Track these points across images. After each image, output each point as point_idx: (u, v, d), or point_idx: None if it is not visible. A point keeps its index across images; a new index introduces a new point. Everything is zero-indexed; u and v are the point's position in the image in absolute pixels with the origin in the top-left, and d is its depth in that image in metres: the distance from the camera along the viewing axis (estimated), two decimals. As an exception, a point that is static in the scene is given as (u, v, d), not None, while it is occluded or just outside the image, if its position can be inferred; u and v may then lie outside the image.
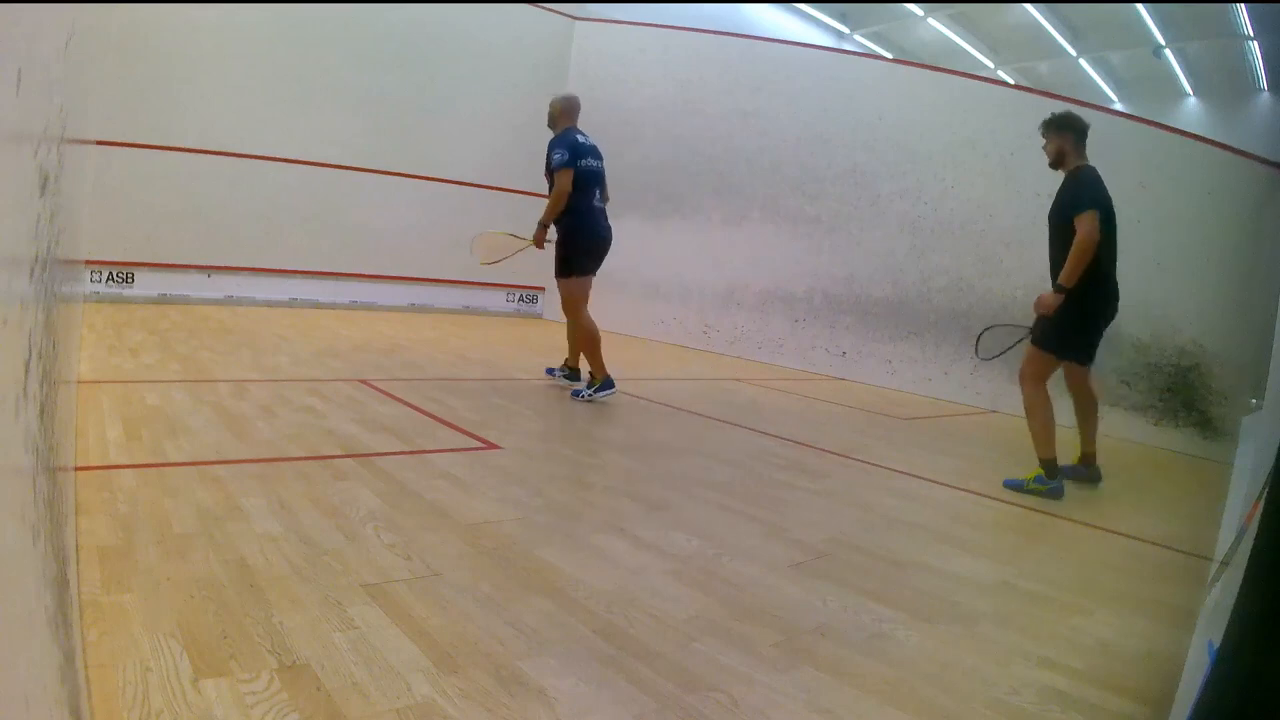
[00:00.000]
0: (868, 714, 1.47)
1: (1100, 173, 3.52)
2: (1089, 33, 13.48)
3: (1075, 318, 3.44)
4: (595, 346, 4.71)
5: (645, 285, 8.89)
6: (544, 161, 4.75)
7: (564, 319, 4.96)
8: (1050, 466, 3.42)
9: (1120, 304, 3.60)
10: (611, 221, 5.06)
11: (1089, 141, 3.57)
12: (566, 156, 4.58)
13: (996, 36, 14.26)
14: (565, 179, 4.57)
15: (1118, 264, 3.55)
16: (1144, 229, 5.53)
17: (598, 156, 4.79)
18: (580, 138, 4.71)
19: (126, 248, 7.05)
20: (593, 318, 4.78)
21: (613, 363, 6.93)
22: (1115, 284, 3.53)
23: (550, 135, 4.83)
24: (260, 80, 7.65)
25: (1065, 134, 3.51)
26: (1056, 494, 3.38)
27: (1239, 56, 12.82)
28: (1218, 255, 5.25)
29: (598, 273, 4.89)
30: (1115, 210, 3.49)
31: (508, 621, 1.68)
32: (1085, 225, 3.30)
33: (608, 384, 4.64)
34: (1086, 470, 3.76)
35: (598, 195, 4.77)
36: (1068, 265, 3.32)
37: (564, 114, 4.84)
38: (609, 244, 4.84)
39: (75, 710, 0.95)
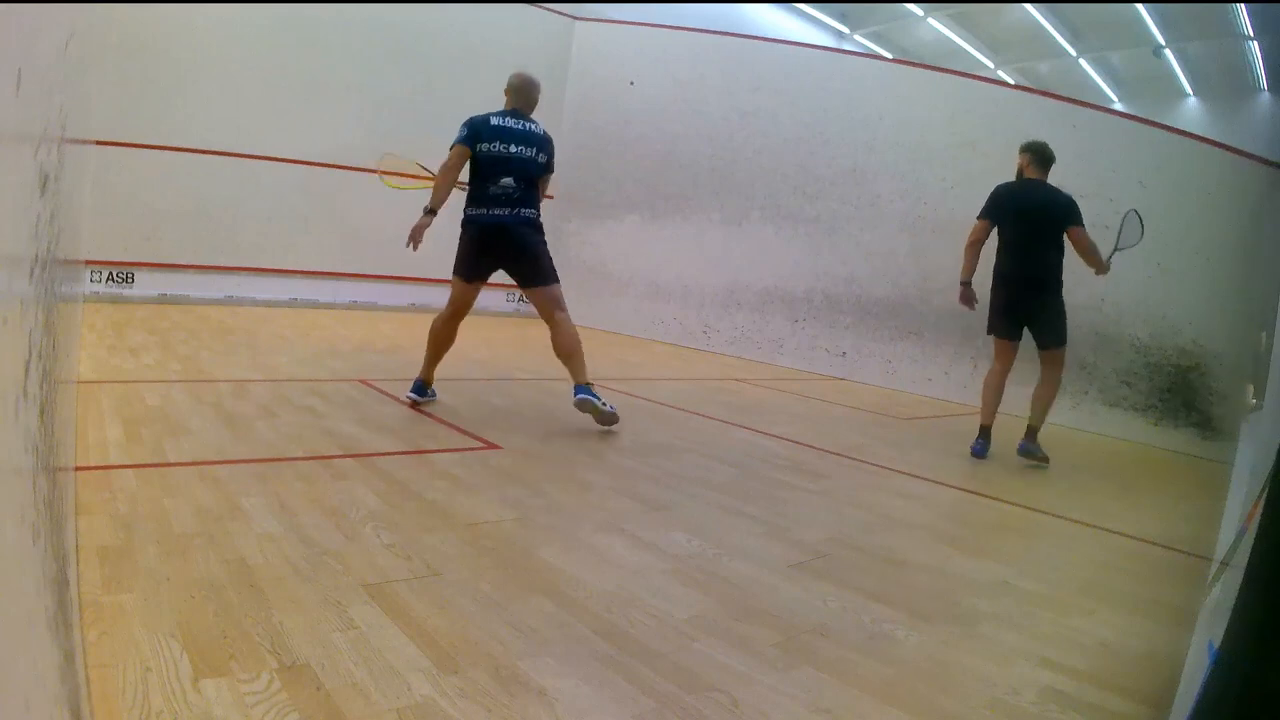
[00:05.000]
0: (868, 714, 1.47)
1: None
2: (1089, 33, 13.47)
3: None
4: None
5: (645, 285, 8.90)
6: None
7: None
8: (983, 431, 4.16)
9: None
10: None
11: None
12: None
13: (996, 36, 14.25)
14: None
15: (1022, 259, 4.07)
16: (1144, 229, 5.53)
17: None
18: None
19: (126, 248, 7.05)
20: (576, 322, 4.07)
21: (615, 363, 6.93)
22: (1011, 277, 4.08)
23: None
24: (260, 80, 7.65)
25: (1023, 154, 4.18)
26: (976, 452, 4.07)
27: (1239, 56, 12.81)
28: (1218, 255, 5.25)
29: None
30: (1028, 217, 4.04)
31: (508, 621, 1.68)
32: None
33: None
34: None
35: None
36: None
37: None
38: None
39: (75, 710, 0.95)
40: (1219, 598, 1.46)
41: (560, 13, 9.61)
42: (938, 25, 13.95)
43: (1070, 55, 14.13)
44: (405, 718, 1.29)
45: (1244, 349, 4.98)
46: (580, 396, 3.67)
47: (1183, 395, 5.32)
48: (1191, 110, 14.95)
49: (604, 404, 3.70)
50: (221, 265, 7.66)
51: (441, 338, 4.00)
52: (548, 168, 4.00)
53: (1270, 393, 2.30)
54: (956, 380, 6.42)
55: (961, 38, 14.32)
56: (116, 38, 6.30)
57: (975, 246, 4.15)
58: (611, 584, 1.94)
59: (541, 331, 4.17)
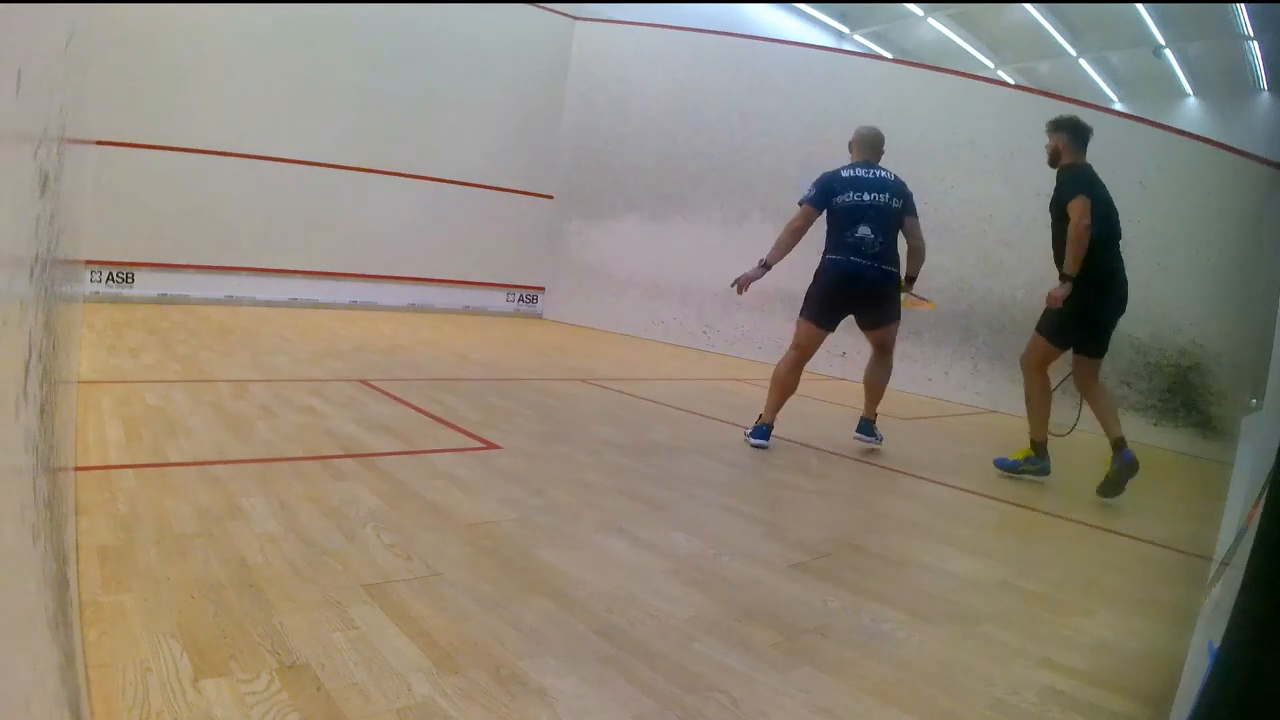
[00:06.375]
0: (868, 714, 1.47)
1: (1099, 173, 3.60)
2: (1089, 33, 13.45)
3: (1070, 308, 3.46)
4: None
5: (645, 285, 8.89)
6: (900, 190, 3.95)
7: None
8: (1039, 448, 3.66)
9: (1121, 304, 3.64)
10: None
11: (1091, 147, 3.63)
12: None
13: (996, 36, 14.24)
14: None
15: (1123, 261, 3.59)
16: (1144, 229, 5.53)
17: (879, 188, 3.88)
18: None
19: (126, 248, 7.05)
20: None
21: (615, 362, 6.93)
22: (1115, 278, 3.55)
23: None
24: (260, 80, 7.65)
25: (1061, 133, 3.60)
26: (1043, 471, 3.62)
27: (1239, 56, 12.80)
28: (1218, 255, 5.25)
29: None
30: (1116, 209, 3.56)
31: (508, 621, 1.68)
32: (1075, 211, 3.39)
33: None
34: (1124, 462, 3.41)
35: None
36: (1067, 253, 3.43)
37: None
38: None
39: (75, 710, 0.95)
40: (1219, 598, 1.46)
41: (560, 13, 9.61)
42: (938, 25, 13.94)
43: (1070, 55, 14.12)
44: (405, 718, 1.29)
45: (1244, 349, 4.98)
46: (861, 435, 4.03)
47: (1183, 395, 5.32)
48: (1191, 110, 14.94)
49: (877, 439, 4.02)
50: (221, 265, 7.66)
51: (788, 384, 3.88)
52: (906, 209, 3.96)
53: (1270, 393, 2.30)
54: (956, 380, 6.42)
55: (961, 38, 14.31)
56: (117, 37, 6.30)
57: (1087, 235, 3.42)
58: (611, 584, 1.94)
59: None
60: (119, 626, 1.46)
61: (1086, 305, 3.48)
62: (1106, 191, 3.53)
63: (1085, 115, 6.02)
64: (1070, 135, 3.57)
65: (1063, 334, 3.57)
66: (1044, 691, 1.62)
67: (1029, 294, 6.02)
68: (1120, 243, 3.59)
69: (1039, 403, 3.69)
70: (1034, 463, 3.65)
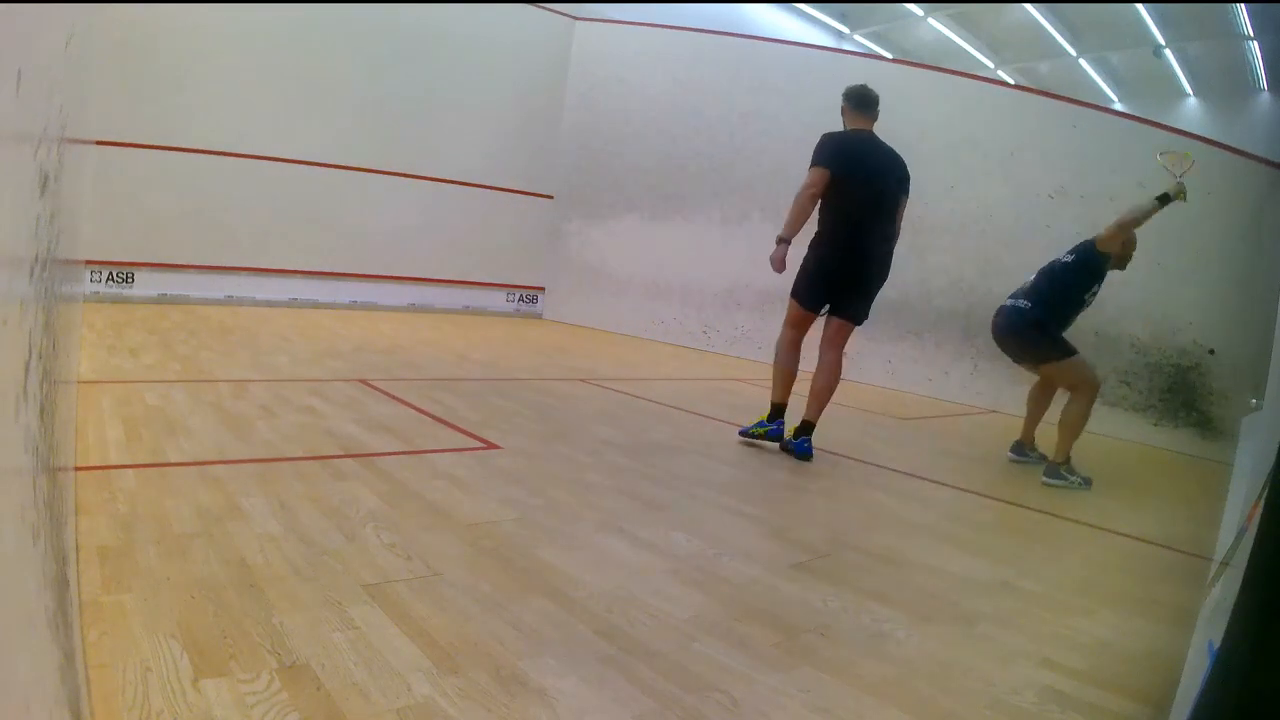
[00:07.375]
0: (868, 714, 1.47)
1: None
2: (1089, 33, 13.46)
3: (808, 270, 3.80)
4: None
5: (645, 285, 8.89)
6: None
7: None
8: (775, 409, 3.70)
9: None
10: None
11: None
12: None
13: (996, 36, 14.25)
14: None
15: (873, 236, 3.70)
16: (1144, 229, 5.52)
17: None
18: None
19: (126, 248, 7.05)
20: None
21: (615, 362, 6.94)
22: (853, 249, 3.72)
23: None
24: (260, 81, 7.65)
25: (844, 100, 3.80)
26: (775, 436, 3.66)
27: (1239, 56, 12.81)
28: (1218, 255, 5.25)
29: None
30: (875, 179, 3.69)
31: (508, 621, 1.68)
32: (805, 179, 3.75)
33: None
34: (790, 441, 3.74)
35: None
36: (787, 215, 3.78)
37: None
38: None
39: (75, 710, 0.95)
40: (1219, 598, 1.46)
41: (560, 13, 9.61)
42: (938, 25, 13.94)
43: (1070, 55, 14.12)
44: (405, 718, 1.29)
45: (1244, 349, 4.98)
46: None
47: (1183, 395, 5.32)
48: (1191, 110, 14.94)
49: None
50: (221, 265, 7.66)
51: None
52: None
53: (1270, 393, 2.30)
54: (956, 380, 6.42)
55: (961, 38, 14.31)
56: (117, 37, 6.30)
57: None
58: (611, 584, 1.94)
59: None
60: (119, 626, 1.46)
61: (823, 268, 3.76)
62: (872, 163, 3.65)
63: (1085, 115, 6.08)
64: (849, 101, 3.75)
65: (810, 295, 3.79)
66: (1044, 691, 1.62)
67: (1029, 294, 6.01)
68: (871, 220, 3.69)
69: (783, 365, 3.89)
70: (763, 425, 3.70)
